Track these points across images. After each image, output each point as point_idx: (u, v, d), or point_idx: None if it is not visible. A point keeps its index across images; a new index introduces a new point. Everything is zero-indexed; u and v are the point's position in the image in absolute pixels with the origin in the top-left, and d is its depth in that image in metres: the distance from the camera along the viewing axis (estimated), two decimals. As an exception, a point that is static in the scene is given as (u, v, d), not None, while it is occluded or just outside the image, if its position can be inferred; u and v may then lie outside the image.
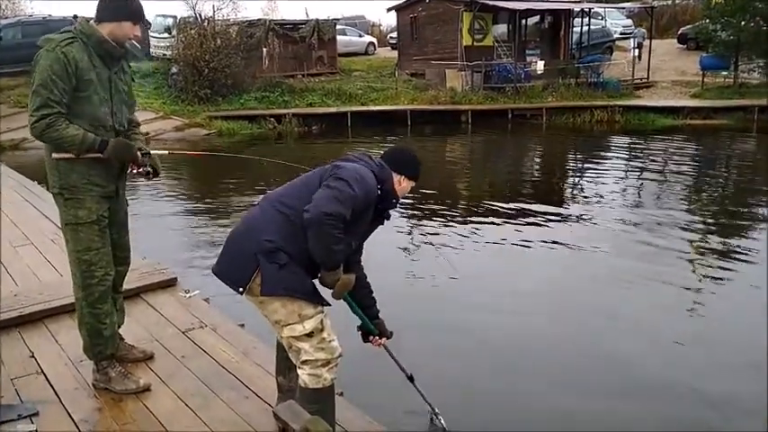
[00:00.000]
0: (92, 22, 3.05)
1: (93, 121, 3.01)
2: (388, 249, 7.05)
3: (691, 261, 7.08)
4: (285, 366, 2.94)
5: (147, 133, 17.78)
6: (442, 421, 3.58)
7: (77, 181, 3.05)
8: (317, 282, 2.67)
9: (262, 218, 2.66)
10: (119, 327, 3.49)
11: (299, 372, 2.69)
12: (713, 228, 8.53)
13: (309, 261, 2.59)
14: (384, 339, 3.05)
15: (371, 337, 3.03)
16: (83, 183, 3.06)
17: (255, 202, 2.81)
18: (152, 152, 3.33)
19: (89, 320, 3.18)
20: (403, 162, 2.82)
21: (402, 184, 2.80)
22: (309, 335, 2.62)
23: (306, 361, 2.64)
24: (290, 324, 2.62)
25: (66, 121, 2.92)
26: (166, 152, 3.53)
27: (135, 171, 3.24)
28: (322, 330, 2.65)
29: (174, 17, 22.80)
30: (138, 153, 3.18)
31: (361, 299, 2.92)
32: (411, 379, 3.32)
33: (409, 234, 8.45)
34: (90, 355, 3.28)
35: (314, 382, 2.63)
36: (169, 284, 4.65)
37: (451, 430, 3.60)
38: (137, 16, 3.09)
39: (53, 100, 2.87)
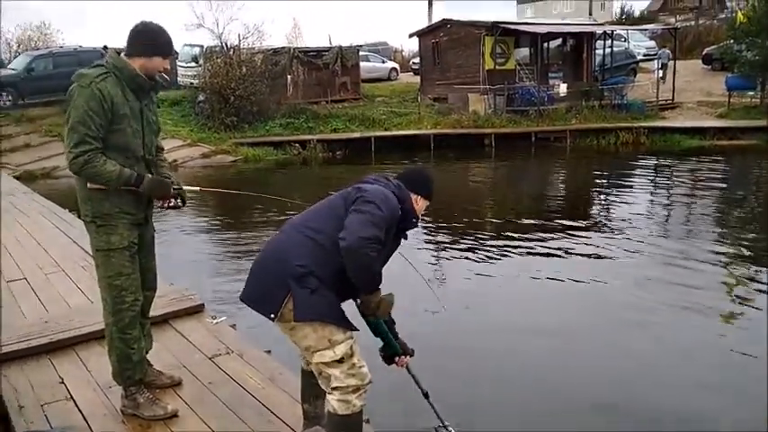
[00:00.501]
0: (122, 55, 3.13)
1: (127, 152, 3.11)
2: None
3: (720, 290, 6.85)
4: (310, 394, 2.94)
5: (176, 161, 18.17)
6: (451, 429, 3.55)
7: (110, 209, 3.13)
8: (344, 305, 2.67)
9: (289, 243, 2.65)
10: (146, 352, 3.53)
11: (328, 397, 2.67)
12: (745, 253, 8.31)
13: (339, 285, 2.59)
14: (408, 358, 3.03)
15: (397, 358, 2.98)
16: (115, 211, 3.13)
17: (281, 229, 2.82)
18: (184, 187, 3.43)
19: (118, 345, 3.22)
20: (419, 182, 2.87)
21: (419, 204, 2.85)
22: (340, 360, 2.61)
23: (336, 387, 2.63)
24: (320, 350, 2.61)
25: (104, 157, 3.01)
26: (198, 188, 3.65)
27: (165, 206, 3.36)
28: (352, 356, 2.64)
29: (201, 46, 23.29)
30: (171, 189, 3.27)
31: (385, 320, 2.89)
32: (426, 396, 3.30)
33: (430, 260, 8.43)
34: (119, 381, 3.31)
35: (343, 408, 2.62)
36: (196, 311, 4.69)
37: None
38: (167, 51, 3.19)
39: (91, 136, 2.96)
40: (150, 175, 3.19)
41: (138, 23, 3.15)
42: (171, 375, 3.65)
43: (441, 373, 4.47)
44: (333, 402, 2.64)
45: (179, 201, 3.39)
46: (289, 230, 2.71)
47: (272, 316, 2.59)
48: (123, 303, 3.18)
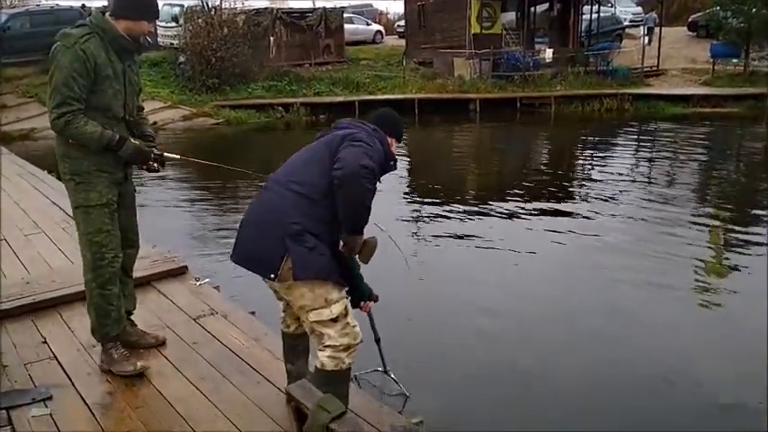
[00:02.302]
0: (107, 15, 3.10)
1: (108, 112, 3.13)
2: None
3: (703, 256, 6.89)
4: (293, 355, 2.97)
5: (156, 123, 17.85)
6: (393, 375, 3.71)
7: (88, 168, 3.15)
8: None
9: (281, 201, 2.60)
10: (130, 313, 3.56)
11: (318, 353, 2.67)
12: (727, 218, 8.41)
13: (332, 236, 2.60)
14: (372, 303, 3.08)
15: (362, 303, 3.01)
16: (93, 169, 3.15)
17: (262, 185, 2.79)
18: (165, 154, 3.40)
19: (98, 301, 3.26)
20: (392, 125, 2.88)
21: (393, 146, 2.85)
22: (335, 319, 2.61)
23: (328, 345, 2.63)
24: (315, 309, 2.61)
25: (85, 118, 3.03)
26: (178, 156, 3.72)
27: (144, 167, 3.34)
28: (346, 315, 2.65)
29: (182, 6, 22.77)
30: (152, 155, 3.28)
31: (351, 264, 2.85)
32: (378, 341, 3.35)
33: (414, 228, 8.45)
34: (97, 337, 3.36)
35: (332, 364, 2.63)
36: (180, 272, 4.67)
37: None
38: (154, 15, 3.22)
39: (73, 97, 2.98)
40: (132, 140, 3.20)
41: None
42: (155, 335, 3.65)
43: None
44: (323, 358, 2.64)
45: (157, 165, 3.36)
46: (276, 188, 2.66)
47: (273, 276, 2.57)
48: (103, 260, 3.21)
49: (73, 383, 3.22)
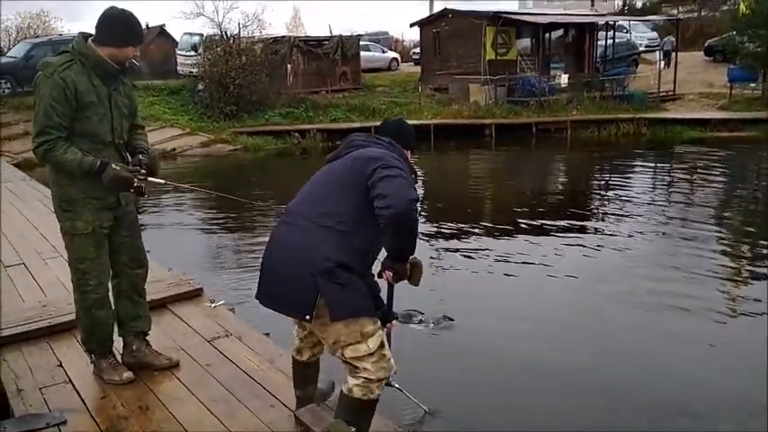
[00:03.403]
0: (90, 41, 3.11)
1: (94, 138, 3.14)
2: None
3: (721, 283, 6.74)
4: (304, 382, 2.95)
5: (174, 149, 18.10)
6: (397, 385, 3.67)
7: (76, 195, 3.17)
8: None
9: (308, 237, 2.49)
10: (146, 333, 3.58)
11: (348, 378, 2.59)
12: (745, 246, 8.27)
13: (363, 265, 2.55)
14: (396, 322, 3.01)
15: (389, 324, 2.92)
16: (81, 197, 3.18)
17: (281, 218, 2.70)
18: (150, 179, 3.34)
19: (84, 322, 3.38)
20: (406, 136, 2.82)
21: (409, 157, 2.80)
22: (372, 353, 2.54)
23: (363, 377, 2.56)
24: (351, 344, 2.52)
25: (66, 145, 3.05)
26: (163, 182, 3.67)
27: (131, 191, 3.28)
28: (383, 347, 2.58)
29: (201, 35, 23.19)
30: (135, 181, 3.20)
31: (374, 284, 2.78)
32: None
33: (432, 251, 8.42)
34: (85, 348, 3.52)
35: (361, 393, 2.56)
36: (195, 295, 4.67)
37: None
38: (139, 40, 3.20)
39: (51, 126, 3.01)
40: (113, 165, 3.14)
41: (109, 10, 3.11)
42: (169, 357, 3.64)
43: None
44: (352, 386, 2.57)
45: (143, 187, 3.27)
46: (301, 222, 2.54)
47: (308, 318, 2.49)
48: (87, 286, 3.28)
49: (87, 408, 3.20)
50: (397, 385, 3.65)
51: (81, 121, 3.08)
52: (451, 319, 5.65)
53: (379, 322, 2.62)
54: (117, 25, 3.10)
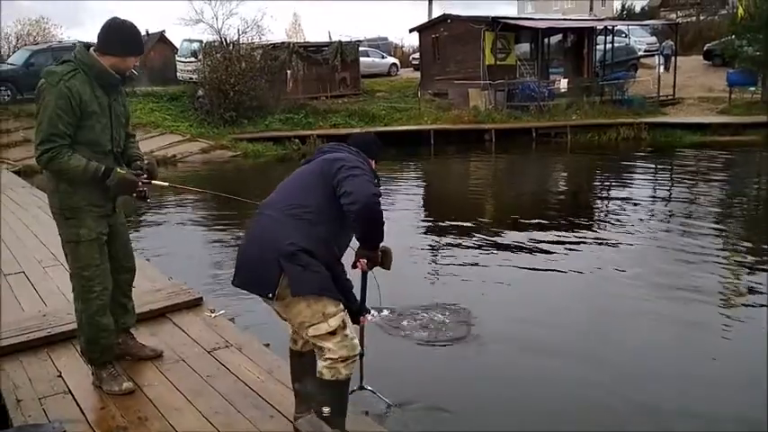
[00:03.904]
0: (92, 50, 3.16)
1: (96, 147, 3.20)
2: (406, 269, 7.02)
3: (721, 290, 6.66)
4: (300, 372, 3.00)
5: (174, 156, 18.12)
6: (370, 388, 3.71)
7: (78, 203, 3.22)
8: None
9: (276, 225, 2.73)
10: (130, 327, 3.74)
11: (318, 361, 2.80)
12: (746, 251, 8.24)
13: (326, 253, 2.73)
14: (369, 317, 3.23)
15: (361, 317, 3.10)
16: (83, 204, 3.23)
17: (259, 212, 2.86)
18: (153, 182, 3.47)
19: (87, 331, 3.36)
20: (372, 148, 3.05)
21: (374, 167, 3.01)
22: (333, 333, 2.72)
23: (327, 357, 2.75)
24: (314, 324, 2.72)
25: (70, 152, 3.09)
26: (166, 184, 3.80)
27: (134, 195, 3.40)
28: (344, 328, 2.76)
29: (200, 42, 23.23)
30: (140, 183, 3.33)
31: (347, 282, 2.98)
32: (361, 356, 3.31)
33: (431, 256, 8.41)
34: (85, 359, 3.52)
35: (330, 374, 2.75)
36: (195, 304, 4.66)
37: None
38: (140, 50, 3.29)
39: (56, 134, 3.04)
40: (119, 170, 3.23)
41: (112, 20, 3.18)
42: (153, 348, 3.81)
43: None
44: (321, 368, 2.77)
45: (146, 191, 3.42)
46: (272, 213, 2.78)
47: (270, 295, 2.68)
48: (92, 293, 3.31)
49: (86, 418, 3.20)
50: (369, 387, 3.65)
51: (83, 130, 3.13)
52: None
53: (342, 305, 2.78)
54: (120, 36, 3.16)
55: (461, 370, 4.93)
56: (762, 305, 6.06)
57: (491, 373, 4.91)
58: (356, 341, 2.82)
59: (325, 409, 2.76)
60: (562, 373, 4.80)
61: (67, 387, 3.51)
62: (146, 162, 3.51)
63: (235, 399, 3.33)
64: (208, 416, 3.18)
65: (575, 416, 4.27)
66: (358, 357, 2.88)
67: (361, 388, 3.59)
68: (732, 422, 4.15)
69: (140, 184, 3.33)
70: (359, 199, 2.61)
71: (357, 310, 3.06)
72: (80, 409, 3.29)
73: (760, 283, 6.71)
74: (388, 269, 2.94)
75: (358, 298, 3.03)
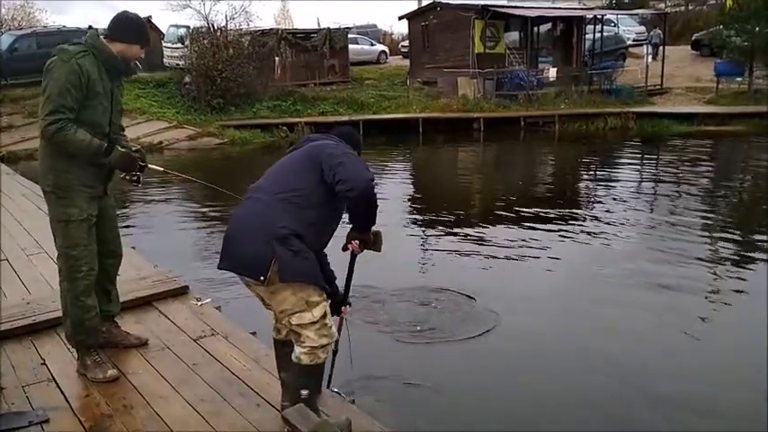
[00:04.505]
0: (102, 37, 3.32)
1: (95, 127, 3.28)
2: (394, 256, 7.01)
3: (706, 276, 6.74)
4: (286, 362, 2.98)
5: (161, 142, 17.99)
6: (335, 390, 3.58)
7: (71, 181, 3.29)
8: None
9: (267, 208, 2.72)
10: (114, 316, 3.77)
11: (295, 348, 2.82)
12: (731, 239, 8.29)
13: (315, 238, 2.76)
14: (348, 308, 3.22)
15: (343, 308, 3.16)
16: (75, 184, 3.30)
17: (248, 196, 2.85)
18: (150, 166, 3.61)
19: (73, 311, 3.39)
20: (354, 140, 3.07)
21: None
22: (315, 322, 2.75)
23: (306, 345, 2.78)
24: (297, 312, 2.74)
25: (75, 127, 3.17)
26: (161, 169, 3.96)
27: (127, 177, 3.51)
28: (325, 317, 2.79)
29: (188, 27, 22.98)
30: (138, 164, 3.46)
31: (330, 272, 3.09)
32: (335, 353, 3.30)
33: (421, 244, 8.42)
34: (72, 343, 3.51)
35: (308, 359, 2.79)
36: (181, 293, 4.63)
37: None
38: (145, 41, 3.43)
39: (66, 106, 3.14)
40: (119, 147, 3.35)
41: (122, 12, 3.39)
42: (138, 336, 3.83)
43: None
44: (300, 354, 2.80)
45: (139, 175, 3.52)
46: (262, 197, 2.78)
47: (262, 278, 2.66)
48: (79, 272, 3.35)
49: (71, 406, 3.18)
50: (335, 390, 3.57)
51: (87, 110, 3.22)
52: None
53: (325, 295, 2.83)
54: (129, 25, 3.36)
55: (444, 358, 4.96)
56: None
57: (475, 355, 4.93)
58: (334, 329, 2.87)
59: (304, 392, 2.79)
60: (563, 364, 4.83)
61: (51, 375, 3.49)
62: (134, 149, 3.57)
63: (221, 387, 3.32)
64: (194, 404, 3.16)
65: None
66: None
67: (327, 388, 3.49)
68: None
69: (138, 164, 3.44)
70: (356, 185, 2.61)
71: (340, 301, 3.11)
72: (64, 396, 3.26)
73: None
74: (379, 251, 2.95)
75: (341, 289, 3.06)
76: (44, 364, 3.61)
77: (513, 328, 5.37)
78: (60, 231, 3.34)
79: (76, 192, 3.29)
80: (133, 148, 3.55)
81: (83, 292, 3.37)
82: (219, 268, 2.84)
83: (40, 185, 3.41)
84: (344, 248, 2.92)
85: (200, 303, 4.46)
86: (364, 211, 2.74)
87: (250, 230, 2.71)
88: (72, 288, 3.36)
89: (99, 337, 3.54)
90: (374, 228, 2.88)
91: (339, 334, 3.17)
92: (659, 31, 25.32)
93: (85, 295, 3.38)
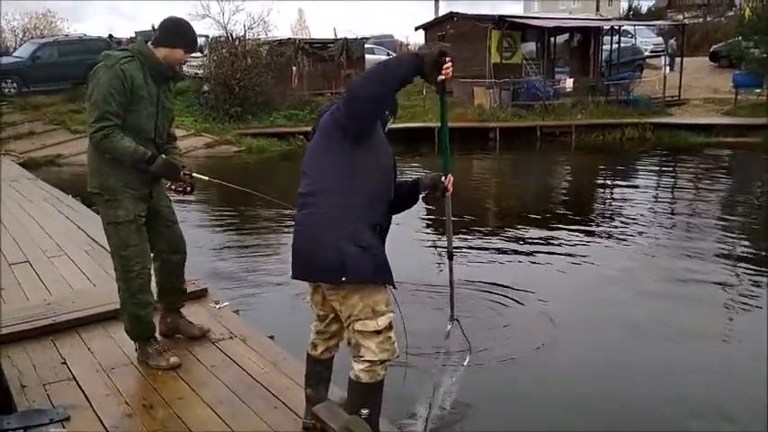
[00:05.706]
0: (149, 44, 3.39)
1: (140, 132, 3.34)
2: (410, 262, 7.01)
3: (722, 288, 6.65)
4: (314, 380, 2.95)
5: (179, 149, 18.09)
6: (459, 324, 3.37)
7: (115, 183, 3.35)
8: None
9: (322, 212, 2.64)
10: (179, 307, 3.91)
11: (354, 364, 2.70)
12: (748, 253, 8.19)
13: (381, 229, 2.73)
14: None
15: (444, 178, 3.19)
16: (119, 186, 3.35)
17: (300, 204, 2.76)
18: (194, 175, 3.65)
19: (129, 308, 3.52)
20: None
21: None
22: (378, 332, 2.64)
23: (366, 360, 2.66)
24: (362, 319, 2.64)
25: (121, 133, 3.23)
26: (207, 178, 3.92)
27: (173, 187, 3.59)
28: (389, 329, 2.69)
29: (206, 37, 23.19)
30: (182, 173, 3.51)
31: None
32: (451, 257, 3.19)
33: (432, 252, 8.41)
34: (132, 337, 3.63)
35: (368, 377, 2.67)
36: (200, 295, 4.66)
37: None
38: (190, 45, 3.46)
39: (111, 113, 3.20)
40: (163, 156, 3.42)
41: (168, 17, 3.47)
42: (201, 326, 3.97)
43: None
44: (358, 371, 2.67)
45: (188, 187, 3.60)
46: (312, 201, 2.69)
47: (344, 279, 2.58)
48: (131, 271, 3.44)
49: (91, 405, 3.21)
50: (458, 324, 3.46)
51: (131, 114, 3.29)
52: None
53: (392, 308, 2.70)
54: (173, 29, 3.43)
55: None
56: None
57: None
58: (396, 345, 2.72)
59: (364, 411, 2.68)
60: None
61: (72, 374, 3.52)
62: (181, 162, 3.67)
63: (239, 389, 3.34)
64: (212, 405, 3.19)
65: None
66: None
67: (454, 320, 3.24)
68: None
69: (182, 174, 3.51)
70: (341, 104, 2.66)
71: (444, 170, 3.16)
72: (85, 395, 3.30)
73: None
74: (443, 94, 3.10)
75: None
76: (65, 363, 3.66)
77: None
78: (111, 233, 3.44)
79: (121, 193, 3.36)
80: (177, 160, 3.59)
81: (138, 290, 3.47)
82: (293, 278, 2.77)
83: (87, 187, 3.47)
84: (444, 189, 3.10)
85: (218, 306, 4.49)
86: (366, 93, 2.63)
87: (317, 238, 2.63)
88: (127, 287, 3.46)
89: (155, 330, 3.67)
90: (421, 51, 2.93)
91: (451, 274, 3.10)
92: (673, 42, 25.25)
93: (142, 293, 3.49)
